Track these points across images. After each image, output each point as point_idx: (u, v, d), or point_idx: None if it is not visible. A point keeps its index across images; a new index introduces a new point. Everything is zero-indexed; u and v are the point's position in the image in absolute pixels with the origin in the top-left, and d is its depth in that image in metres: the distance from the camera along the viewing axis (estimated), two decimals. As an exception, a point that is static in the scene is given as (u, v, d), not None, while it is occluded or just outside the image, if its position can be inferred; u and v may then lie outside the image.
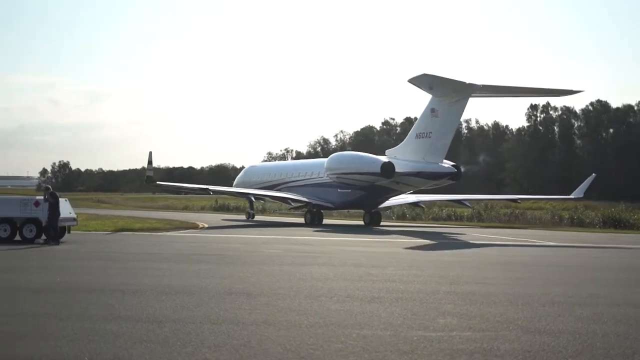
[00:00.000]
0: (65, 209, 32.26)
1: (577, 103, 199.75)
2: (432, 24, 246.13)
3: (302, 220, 57.17)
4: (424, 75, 46.38)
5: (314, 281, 17.83)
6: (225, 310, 13.03)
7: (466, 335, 11.06)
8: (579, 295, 16.22)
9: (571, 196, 60.61)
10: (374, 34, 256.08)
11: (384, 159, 51.14)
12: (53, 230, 30.36)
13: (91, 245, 29.84)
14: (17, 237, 30.97)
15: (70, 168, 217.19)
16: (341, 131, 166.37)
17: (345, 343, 10.37)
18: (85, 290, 15.74)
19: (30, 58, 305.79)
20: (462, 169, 52.59)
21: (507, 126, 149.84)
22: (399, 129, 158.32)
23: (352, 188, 52.67)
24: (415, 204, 61.21)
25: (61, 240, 31.53)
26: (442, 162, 49.14)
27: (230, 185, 68.15)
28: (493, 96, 53.98)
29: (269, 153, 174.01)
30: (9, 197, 37.74)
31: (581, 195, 59.59)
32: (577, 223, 58.23)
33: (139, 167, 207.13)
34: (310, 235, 39.05)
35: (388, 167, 49.38)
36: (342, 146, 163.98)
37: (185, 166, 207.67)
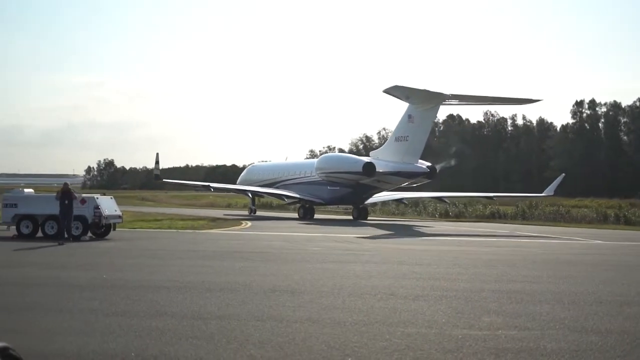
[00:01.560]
0: (111, 206, 32.65)
1: (625, 99, 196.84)
2: (441, 31, 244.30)
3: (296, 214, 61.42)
4: (396, 87, 52.05)
5: (357, 279, 17.82)
6: (269, 308, 13.07)
7: (512, 334, 10.97)
8: (627, 294, 16.01)
9: (543, 194, 63.76)
10: (404, 31, 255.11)
11: (367, 159, 56.98)
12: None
13: (136, 242, 30.11)
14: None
15: (115, 166, 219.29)
16: (384, 128, 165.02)
17: (390, 341, 10.35)
18: (131, 286, 15.90)
19: (74, 58, 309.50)
20: (437, 169, 58.13)
21: (551, 123, 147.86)
22: (441, 126, 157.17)
23: (340, 186, 57.76)
24: (399, 201, 66.33)
25: (106, 237, 31.91)
26: (417, 163, 54.84)
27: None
28: (462, 104, 61.10)
29: (311, 151, 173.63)
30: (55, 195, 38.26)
31: (551, 193, 62.49)
32: (624, 221, 57.50)
33: (182, 165, 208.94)
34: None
35: (369, 167, 54.83)
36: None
37: (229, 164, 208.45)
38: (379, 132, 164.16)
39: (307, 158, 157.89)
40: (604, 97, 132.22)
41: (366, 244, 31.34)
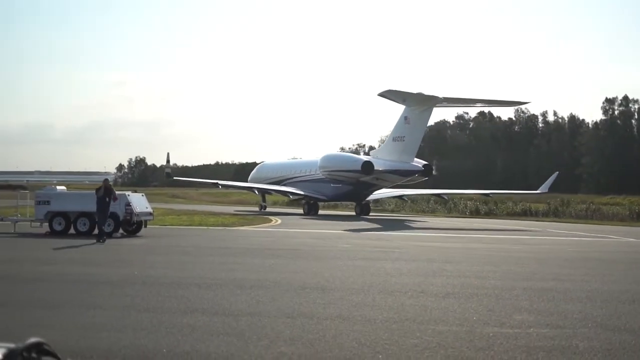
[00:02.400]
0: (142, 203, 32.87)
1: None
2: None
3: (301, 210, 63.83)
4: (390, 91, 55.86)
5: (387, 276, 17.80)
6: (299, 305, 13.09)
7: (543, 332, 10.90)
8: (660, 292, 15.85)
9: (537, 191, 65.23)
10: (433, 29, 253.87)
11: (366, 158, 60.81)
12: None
13: (167, 239, 30.29)
14: (96, 231, 31.66)
15: (146, 163, 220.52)
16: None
17: (421, 338, 10.33)
18: (162, 283, 15.99)
19: (102, 56, 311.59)
20: (434, 167, 62.60)
21: (583, 120, 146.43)
22: (472, 123, 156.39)
23: (341, 183, 60.55)
24: (399, 197, 68.57)
25: (138, 234, 32.13)
26: (413, 161, 57.93)
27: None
28: (455, 106, 68.17)
29: (342, 148, 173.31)
30: (87, 192, 38.65)
31: (546, 190, 63.64)
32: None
33: (212, 162, 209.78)
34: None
35: (367, 166, 57.69)
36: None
37: (259, 161, 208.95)
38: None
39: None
40: (636, 94, 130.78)
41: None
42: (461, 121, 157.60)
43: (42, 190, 35.80)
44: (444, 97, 57.43)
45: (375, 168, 57.47)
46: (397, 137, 58.89)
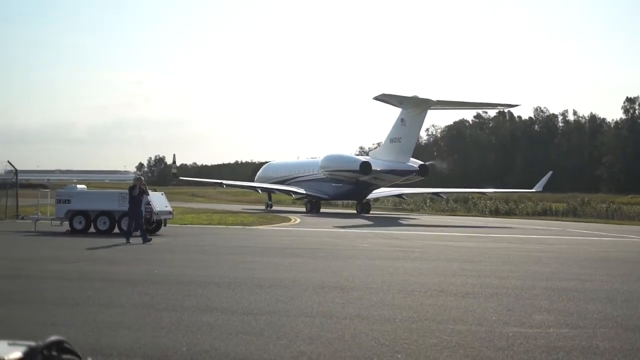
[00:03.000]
0: (162, 202, 33.01)
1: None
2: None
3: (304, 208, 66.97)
4: (384, 95, 58.78)
5: (407, 275, 17.78)
6: (318, 304, 13.09)
7: (563, 332, 10.84)
8: (682, 293, 15.73)
9: (533, 190, 67.04)
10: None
11: (364, 159, 63.15)
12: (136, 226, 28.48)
13: (187, 238, 30.39)
14: (116, 230, 31.86)
15: (166, 162, 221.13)
16: (432, 125, 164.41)
17: (440, 338, 10.30)
18: (182, 282, 16.04)
19: (121, 55, 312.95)
20: (429, 167, 64.59)
21: (604, 119, 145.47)
22: (492, 123, 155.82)
23: (342, 183, 63.20)
24: (398, 196, 71.61)
25: (157, 233, 32.26)
26: (409, 162, 60.65)
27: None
28: (447, 109, 69.55)
29: (361, 147, 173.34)
30: (107, 190, 38.89)
31: (540, 189, 65.91)
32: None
33: (232, 161, 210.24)
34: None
35: (365, 166, 60.22)
36: (434, 140, 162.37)
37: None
38: (427, 129, 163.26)
39: (356, 154, 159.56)
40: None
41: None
42: (480, 120, 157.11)
43: (62, 189, 36.03)
44: (437, 100, 60.22)
45: (373, 168, 59.99)
46: (394, 138, 61.65)
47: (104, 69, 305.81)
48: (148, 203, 31.46)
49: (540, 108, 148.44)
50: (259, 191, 73.78)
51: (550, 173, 66.11)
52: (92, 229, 32.29)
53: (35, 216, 35.54)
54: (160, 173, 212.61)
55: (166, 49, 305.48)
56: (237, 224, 41.26)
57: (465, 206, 73.90)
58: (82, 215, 32.51)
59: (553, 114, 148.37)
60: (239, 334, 10.34)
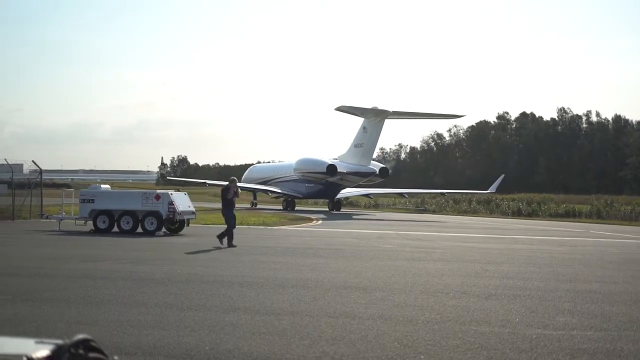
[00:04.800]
0: (184, 202, 33.14)
1: None
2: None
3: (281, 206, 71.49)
4: (343, 106, 66.87)
5: (429, 277, 17.74)
6: (341, 304, 13.09)
7: (587, 335, 10.78)
8: None
9: (487, 191, 75.09)
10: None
11: (331, 161, 68.42)
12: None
13: (209, 238, 30.41)
14: (139, 230, 32.03)
15: (188, 162, 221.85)
16: (455, 126, 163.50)
17: (463, 339, 10.27)
18: (205, 281, 16.10)
19: (144, 55, 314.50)
20: (390, 169, 73.44)
21: (628, 120, 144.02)
22: (514, 124, 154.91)
23: (314, 183, 69.15)
24: (366, 195, 78.41)
25: (180, 233, 32.39)
26: (370, 164, 67.81)
27: None
28: (403, 118, 77.74)
29: (382, 149, 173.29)
30: (131, 190, 39.11)
31: (494, 191, 74.11)
32: None
33: (254, 161, 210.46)
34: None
35: (332, 168, 66.66)
36: (457, 141, 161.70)
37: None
38: (449, 130, 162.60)
39: (377, 154, 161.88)
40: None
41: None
42: (503, 121, 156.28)
43: (86, 188, 36.28)
44: (393, 111, 68.27)
45: (339, 170, 66.60)
46: (357, 144, 68.81)
47: (126, 68, 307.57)
48: (171, 203, 31.60)
49: (564, 109, 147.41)
50: (240, 190, 77.22)
51: (502, 176, 74.20)
52: (115, 229, 32.46)
53: (60, 215, 35.78)
54: (183, 173, 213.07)
55: (191, 50, 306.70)
56: (259, 224, 41.34)
57: (488, 207, 73.79)
58: (105, 214, 32.69)
59: (577, 115, 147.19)
60: (262, 334, 10.37)
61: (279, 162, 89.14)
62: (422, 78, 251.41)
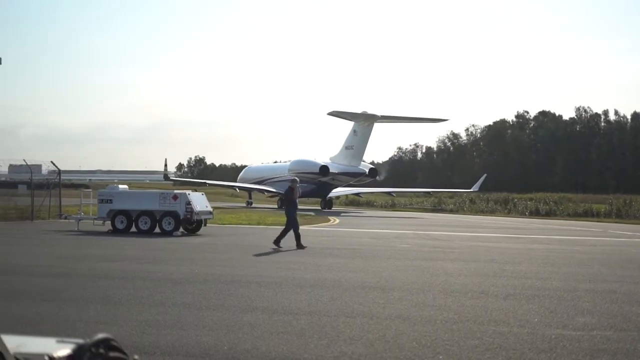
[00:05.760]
0: (202, 202, 33.21)
1: None
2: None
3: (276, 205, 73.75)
4: (335, 111, 71.79)
5: (447, 276, 17.70)
6: (359, 304, 13.08)
7: (607, 335, 10.71)
8: None
9: (470, 190, 79.97)
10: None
11: (323, 163, 72.09)
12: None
13: (227, 238, 30.55)
14: (157, 230, 32.13)
15: (206, 163, 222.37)
16: (472, 125, 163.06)
17: (482, 339, 10.23)
18: (223, 281, 16.13)
19: (161, 56, 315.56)
20: (378, 170, 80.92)
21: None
22: (533, 123, 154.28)
23: (307, 183, 69.18)
24: (356, 194, 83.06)
25: (198, 233, 32.46)
26: (360, 165, 71.90)
27: None
28: (390, 122, 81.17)
29: (399, 148, 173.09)
30: (149, 191, 39.26)
31: (477, 190, 78.89)
32: None
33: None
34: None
35: (324, 169, 70.40)
36: (474, 141, 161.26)
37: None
38: (467, 129, 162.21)
39: (394, 154, 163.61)
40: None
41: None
42: (521, 120, 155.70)
43: (104, 189, 36.44)
44: (382, 115, 72.39)
45: (331, 171, 70.34)
46: (348, 146, 73.22)
47: (146, 69, 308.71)
48: (189, 203, 31.68)
49: (582, 108, 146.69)
50: (237, 190, 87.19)
51: (485, 175, 79.29)
52: (133, 229, 32.58)
53: (78, 216, 35.96)
54: (200, 173, 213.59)
55: (211, 49, 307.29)
56: (276, 225, 41.33)
57: (506, 207, 73.68)
58: (123, 215, 32.81)
59: (596, 114, 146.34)
60: (280, 334, 10.37)
61: (274, 162, 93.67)
62: (428, 81, 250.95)
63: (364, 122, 71.91)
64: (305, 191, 72.20)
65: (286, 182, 72.78)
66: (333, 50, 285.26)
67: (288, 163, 78.63)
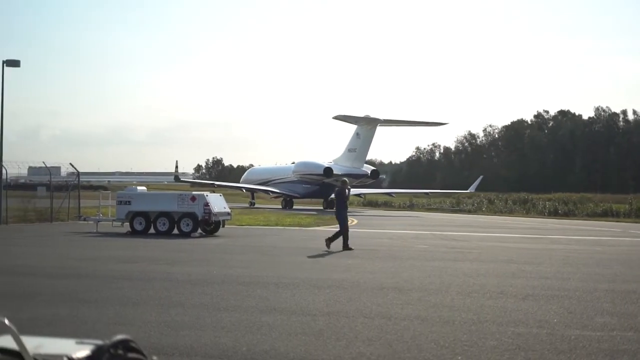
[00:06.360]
0: (220, 204, 33.28)
1: None
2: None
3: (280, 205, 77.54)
4: (340, 115, 72.72)
5: (465, 277, 17.63)
6: (377, 305, 13.06)
7: (628, 336, 10.64)
8: None
9: (467, 191, 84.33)
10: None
11: (327, 164, 74.00)
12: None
13: (245, 239, 30.58)
14: (175, 231, 32.21)
15: (223, 164, 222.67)
16: (490, 125, 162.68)
17: (500, 340, 10.19)
18: (241, 282, 16.15)
19: (177, 56, 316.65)
20: (379, 172, 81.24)
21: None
22: (551, 122, 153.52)
23: (311, 184, 75.08)
24: (357, 195, 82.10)
25: (216, 234, 32.52)
26: (362, 167, 74.01)
27: None
28: (392, 125, 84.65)
29: (417, 148, 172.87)
30: (167, 192, 39.37)
31: (473, 191, 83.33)
32: None
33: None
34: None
35: (328, 170, 72.04)
36: (492, 141, 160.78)
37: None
38: (484, 129, 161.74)
39: (412, 154, 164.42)
40: None
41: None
42: (540, 120, 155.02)
43: (123, 190, 36.58)
44: (384, 119, 75.09)
45: (334, 172, 70.98)
46: (351, 148, 75.05)
47: (164, 70, 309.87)
48: (207, 204, 31.74)
49: (601, 108, 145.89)
50: (244, 190, 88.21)
51: (481, 177, 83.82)
52: (151, 230, 32.68)
53: (97, 217, 36.11)
54: (218, 174, 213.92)
55: (227, 51, 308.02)
56: (294, 225, 41.41)
57: (524, 207, 73.49)
58: (142, 216, 32.91)
59: (614, 113, 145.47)
60: (298, 335, 10.38)
61: (276, 164, 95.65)
62: (444, 83, 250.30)
63: (367, 125, 73.95)
64: (309, 192, 77.32)
65: (290, 184, 77.06)
66: (341, 55, 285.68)
67: (290, 165, 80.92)
